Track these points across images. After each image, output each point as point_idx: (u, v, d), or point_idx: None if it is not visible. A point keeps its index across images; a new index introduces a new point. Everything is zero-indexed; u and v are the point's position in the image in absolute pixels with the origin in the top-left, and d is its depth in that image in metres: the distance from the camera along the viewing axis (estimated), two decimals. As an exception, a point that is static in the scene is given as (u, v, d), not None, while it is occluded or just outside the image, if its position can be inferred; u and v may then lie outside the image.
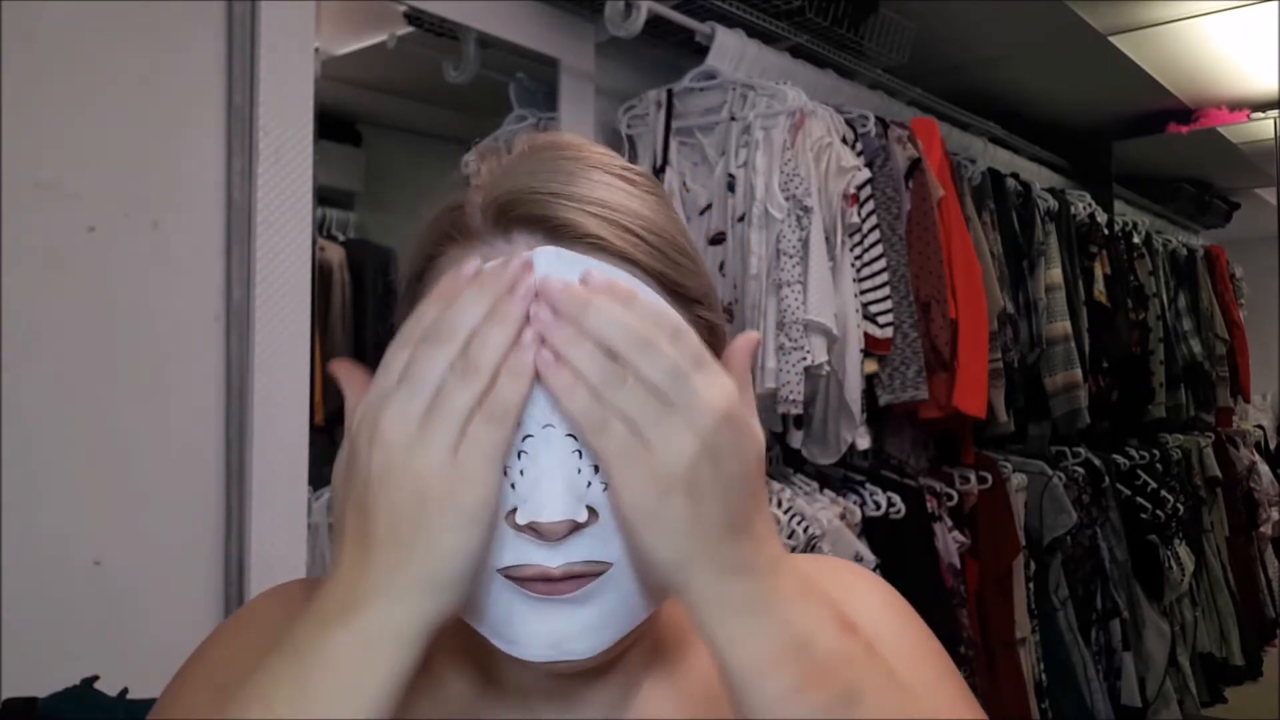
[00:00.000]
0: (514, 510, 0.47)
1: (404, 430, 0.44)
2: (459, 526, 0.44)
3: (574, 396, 0.45)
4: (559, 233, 0.50)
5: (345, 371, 0.51)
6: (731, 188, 1.89)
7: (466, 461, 0.44)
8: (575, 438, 0.47)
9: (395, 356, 0.46)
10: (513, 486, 0.47)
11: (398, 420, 0.45)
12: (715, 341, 0.55)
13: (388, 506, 0.44)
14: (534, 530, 0.47)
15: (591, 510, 0.47)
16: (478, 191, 0.53)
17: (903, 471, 2.25)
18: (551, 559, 0.47)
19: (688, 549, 0.44)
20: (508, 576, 0.48)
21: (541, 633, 0.48)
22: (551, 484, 0.47)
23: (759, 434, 0.48)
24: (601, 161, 0.54)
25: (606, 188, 0.52)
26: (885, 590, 0.64)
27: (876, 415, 2.05)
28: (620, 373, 0.45)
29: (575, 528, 0.47)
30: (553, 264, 0.48)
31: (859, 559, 1.86)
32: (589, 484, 0.47)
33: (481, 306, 0.45)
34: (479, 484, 0.44)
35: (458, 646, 0.58)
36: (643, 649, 0.59)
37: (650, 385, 0.44)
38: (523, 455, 0.47)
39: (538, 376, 0.46)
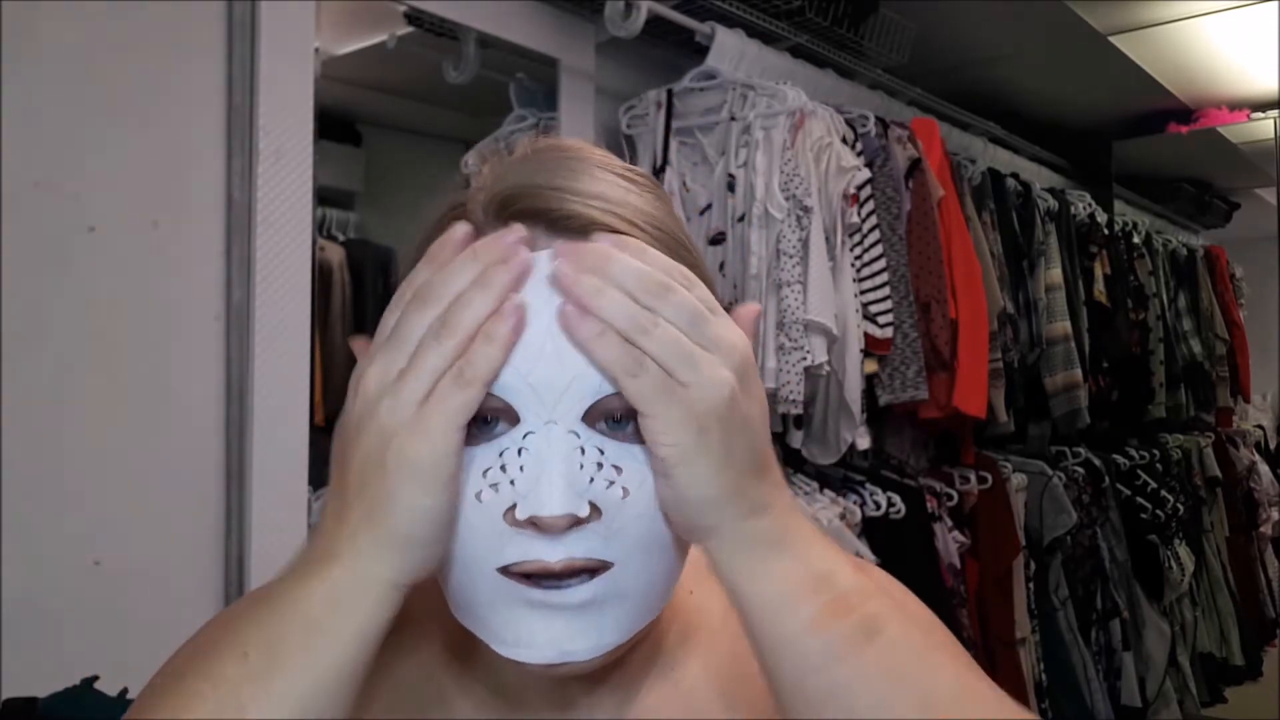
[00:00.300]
0: (513, 507, 0.47)
1: (381, 384, 0.45)
2: (416, 482, 0.44)
3: (605, 343, 0.45)
4: (560, 225, 0.50)
5: (361, 346, 0.52)
6: (731, 188, 1.89)
7: (427, 418, 0.44)
8: (577, 434, 0.47)
9: (387, 317, 0.47)
10: (512, 483, 0.47)
11: (378, 375, 0.46)
12: None
13: (359, 457, 0.46)
14: (534, 525, 0.46)
15: (594, 507, 0.47)
16: (480, 190, 0.53)
17: (903, 471, 2.25)
18: (552, 553, 0.47)
19: (723, 485, 0.46)
20: (507, 575, 0.47)
21: (543, 635, 0.48)
22: (552, 478, 0.46)
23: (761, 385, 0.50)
24: (602, 161, 0.55)
25: (608, 184, 0.53)
26: (896, 587, 0.64)
27: (876, 415, 2.05)
28: (649, 316, 0.45)
29: (576, 523, 0.46)
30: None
31: (859, 559, 1.86)
32: (591, 480, 0.47)
33: (470, 273, 0.46)
34: (435, 441, 0.44)
35: (455, 649, 0.58)
36: (643, 652, 0.59)
37: (677, 328, 0.46)
38: (523, 451, 0.47)
39: (511, 340, 0.46)
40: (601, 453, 0.48)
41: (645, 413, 0.45)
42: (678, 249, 0.54)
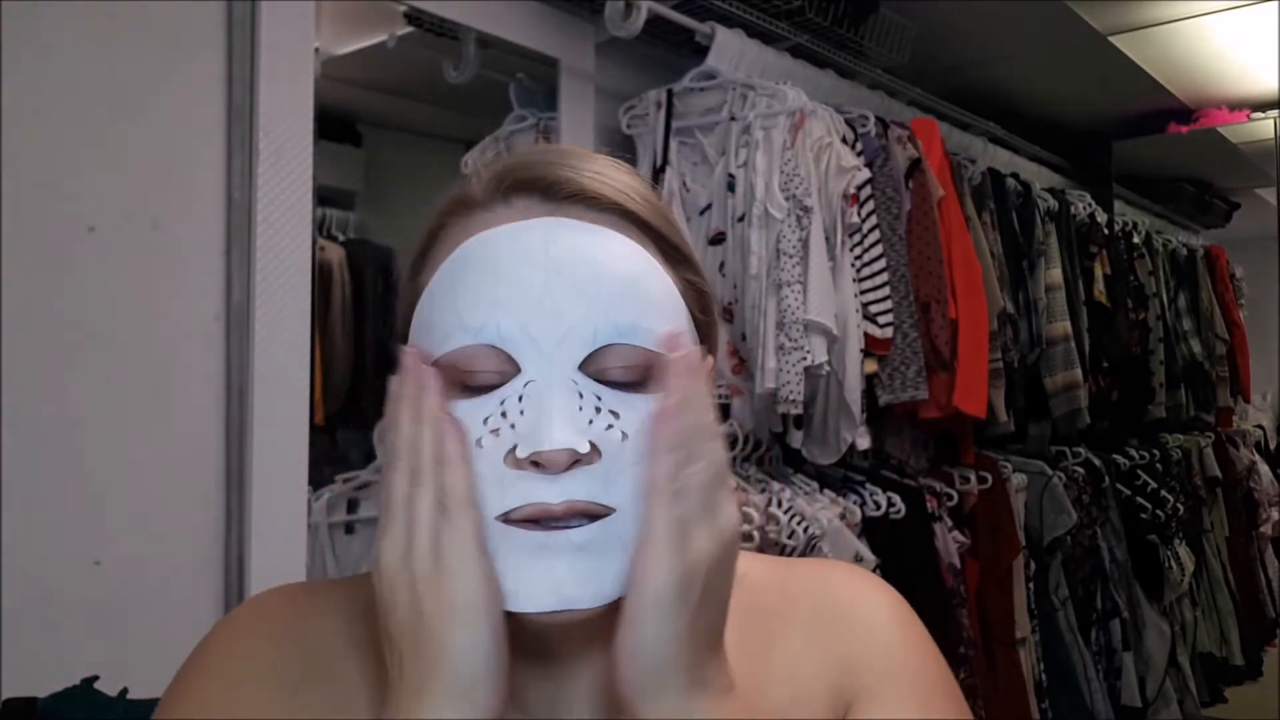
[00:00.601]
0: (513, 449, 0.48)
1: (395, 553, 0.48)
2: (460, 624, 0.46)
3: (669, 459, 0.48)
4: (553, 190, 0.53)
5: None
6: (731, 188, 1.89)
7: (444, 560, 0.46)
8: (575, 381, 0.49)
9: (384, 494, 0.50)
10: (513, 427, 0.48)
11: (390, 547, 0.48)
12: (708, 311, 0.58)
13: (399, 630, 0.47)
14: (535, 465, 0.48)
15: (593, 447, 0.48)
16: (478, 173, 0.56)
17: (903, 471, 2.25)
18: (552, 494, 0.48)
19: (674, 656, 0.46)
20: (508, 522, 0.48)
21: (543, 581, 0.48)
22: (552, 415, 0.48)
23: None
24: (593, 153, 0.57)
25: (603, 163, 0.56)
26: (897, 608, 0.64)
27: (876, 415, 2.05)
28: (700, 450, 0.48)
29: (576, 461, 0.48)
30: (553, 231, 0.51)
31: (859, 559, 1.86)
32: (590, 421, 0.48)
33: (410, 416, 0.49)
34: (462, 577, 0.46)
35: None
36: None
37: (711, 474, 0.48)
38: (524, 398, 0.49)
39: (460, 451, 0.49)
40: (599, 398, 0.49)
41: (655, 542, 0.47)
42: (668, 218, 0.56)
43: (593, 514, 0.48)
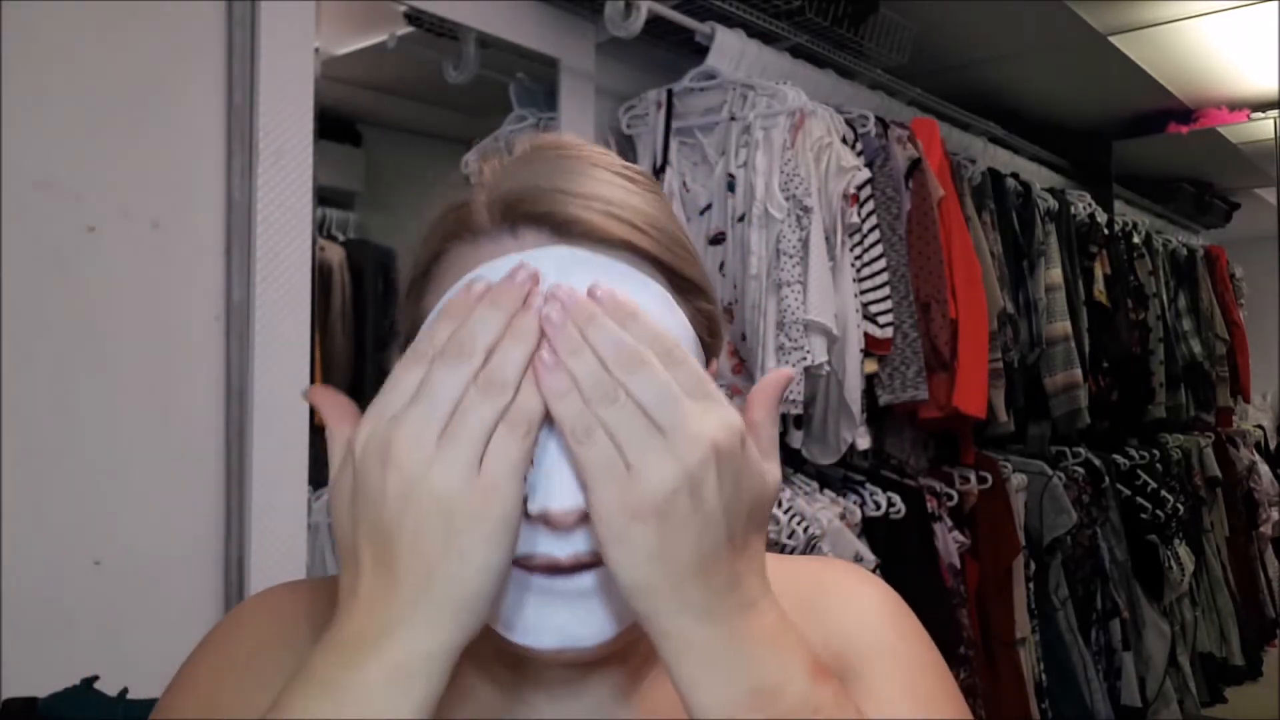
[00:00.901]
0: (525, 500, 0.47)
1: (422, 450, 0.43)
2: (490, 540, 0.43)
3: (565, 402, 0.44)
4: (564, 229, 0.51)
5: (325, 397, 0.50)
6: (731, 188, 1.89)
7: (491, 473, 0.43)
8: None
9: (405, 376, 0.45)
10: (524, 478, 0.47)
11: (414, 440, 0.43)
12: (715, 335, 0.57)
13: (411, 529, 0.43)
14: (544, 520, 0.47)
15: None
16: (481, 190, 0.53)
17: (903, 471, 2.25)
18: (560, 549, 0.47)
19: (650, 580, 0.44)
20: (517, 565, 0.48)
21: (549, 622, 0.48)
22: (562, 473, 0.47)
23: (766, 475, 0.47)
24: (602, 160, 0.55)
25: (608, 185, 0.53)
26: (888, 598, 0.64)
27: (876, 415, 2.05)
28: (615, 388, 0.44)
29: (584, 518, 0.47)
30: (564, 263, 0.49)
31: (859, 559, 1.86)
32: None
33: (498, 322, 0.45)
34: (506, 496, 0.43)
35: (487, 663, 0.58)
36: (648, 643, 0.59)
37: (641, 406, 0.44)
38: (536, 453, 0.47)
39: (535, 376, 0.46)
40: None
41: (585, 484, 0.44)
42: (676, 247, 0.54)
43: (598, 562, 0.48)
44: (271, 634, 0.57)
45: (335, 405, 0.49)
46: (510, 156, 0.55)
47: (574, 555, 0.47)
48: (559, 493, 0.47)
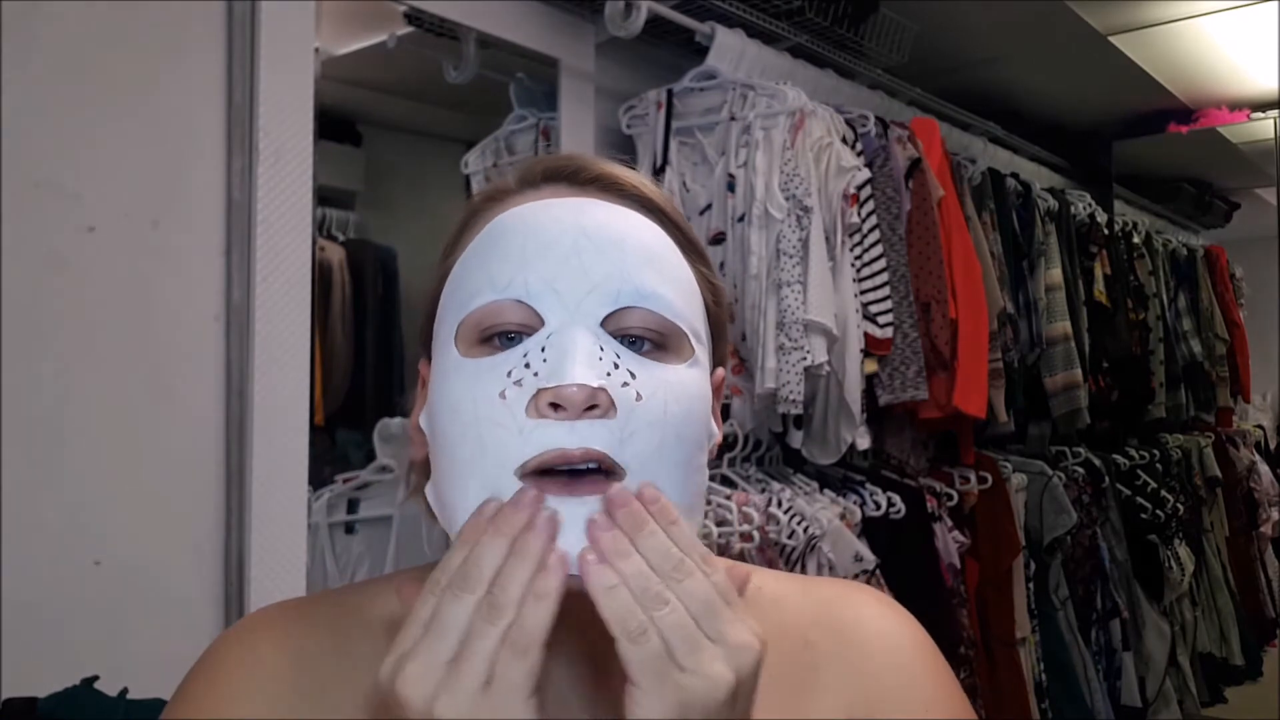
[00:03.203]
0: (534, 397, 0.48)
1: (428, 682, 0.44)
2: None
3: (616, 596, 0.46)
4: (578, 175, 0.56)
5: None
6: (731, 188, 1.89)
7: (495, 695, 0.44)
8: (597, 335, 0.50)
9: (421, 609, 0.46)
10: (535, 375, 0.49)
11: (420, 675, 0.44)
12: (720, 306, 0.60)
13: None
14: (554, 408, 0.48)
15: (610, 399, 0.49)
16: (510, 171, 0.60)
17: (903, 471, 2.25)
18: (570, 440, 0.48)
19: None
20: (525, 476, 0.49)
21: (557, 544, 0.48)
22: (573, 358, 0.48)
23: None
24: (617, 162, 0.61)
25: (623, 164, 0.59)
26: (915, 632, 0.64)
27: (876, 415, 2.05)
28: (665, 592, 0.46)
29: (593, 407, 0.48)
30: (584, 209, 0.54)
31: (859, 559, 1.86)
32: (608, 373, 0.49)
33: (502, 547, 0.46)
34: (509, 714, 0.44)
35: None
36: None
37: (689, 612, 0.46)
38: (546, 348, 0.50)
39: (560, 592, 0.46)
40: (618, 356, 0.50)
41: (635, 682, 0.45)
42: (683, 221, 0.59)
43: (607, 467, 0.49)
44: (263, 657, 0.58)
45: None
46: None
47: (583, 447, 0.48)
48: (569, 371, 0.48)
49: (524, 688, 0.44)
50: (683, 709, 0.44)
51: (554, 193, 0.56)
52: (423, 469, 0.59)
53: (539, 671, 0.45)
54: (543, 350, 0.50)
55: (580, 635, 0.52)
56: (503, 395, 0.49)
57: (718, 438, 0.59)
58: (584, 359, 0.48)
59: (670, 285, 0.53)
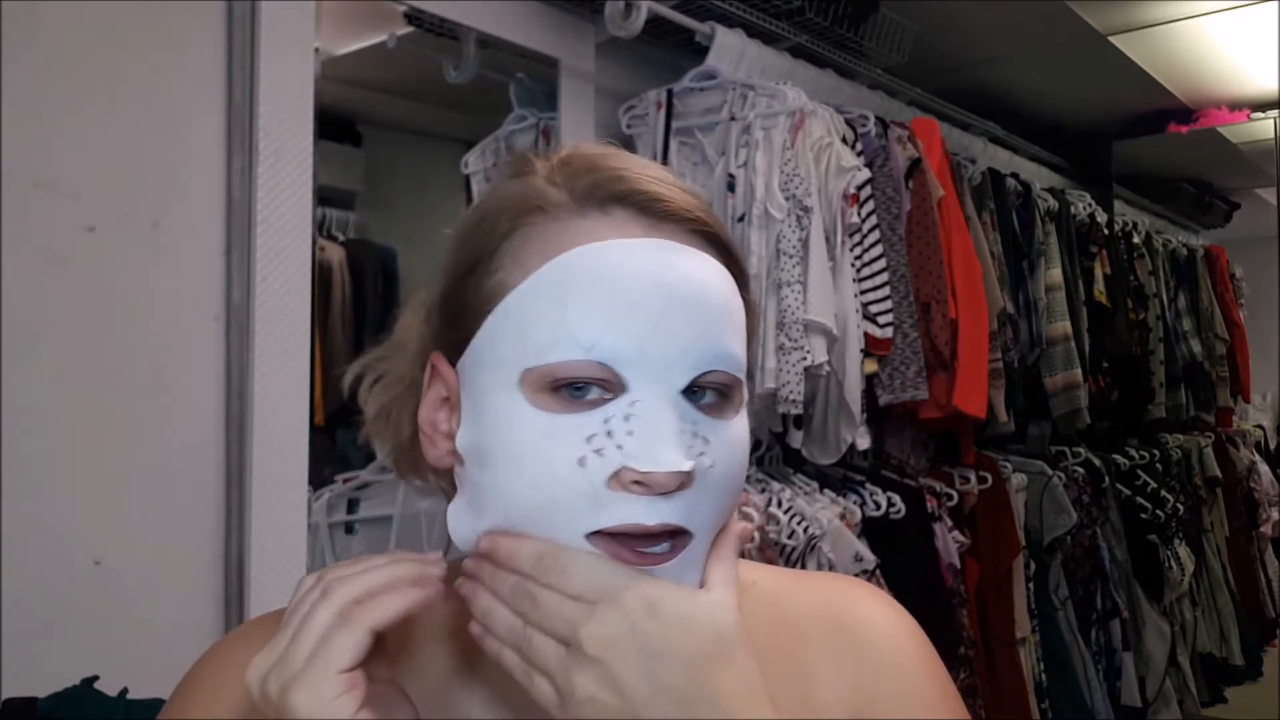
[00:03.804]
0: (618, 472, 0.48)
1: (264, 662, 0.49)
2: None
3: (493, 618, 0.50)
4: (651, 208, 0.53)
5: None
6: (731, 188, 1.89)
7: (315, 668, 0.47)
8: (680, 404, 0.50)
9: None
10: (619, 447, 0.48)
11: (261, 657, 0.49)
12: (752, 320, 0.58)
13: None
14: (643, 486, 0.48)
15: (691, 477, 0.49)
16: (537, 176, 0.55)
17: (903, 471, 2.25)
18: (650, 516, 0.48)
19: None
20: (596, 538, 0.49)
21: None
22: (667, 438, 0.48)
23: (694, 611, 0.49)
24: (651, 161, 0.59)
25: (670, 174, 0.56)
26: (909, 627, 0.64)
27: (876, 415, 2.05)
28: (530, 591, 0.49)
29: (682, 486, 0.48)
30: (662, 252, 0.51)
31: (859, 559, 1.86)
32: (689, 446, 0.49)
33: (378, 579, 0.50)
34: (320, 687, 0.46)
35: (461, 663, 0.58)
36: None
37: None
38: (631, 418, 0.49)
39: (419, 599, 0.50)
40: (695, 424, 0.50)
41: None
42: (738, 250, 0.57)
43: (677, 534, 0.49)
44: (231, 705, 0.58)
45: None
46: (555, 153, 0.57)
47: (662, 523, 0.48)
48: (664, 458, 0.48)
49: (343, 660, 0.46)
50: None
51: (625, 222, 0.52)
52: (441, 474, 0.59)
53: (364, 652, 0.47)
54: (627, 420, 0.48)
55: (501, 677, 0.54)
56: (581, 463, 0.48)
57: None
58: (675, 440, 0.48)
59: (738, 339, 0.53)
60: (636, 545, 0.49)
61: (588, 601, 0.47)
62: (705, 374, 0.50)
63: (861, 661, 0.61)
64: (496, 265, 0.53)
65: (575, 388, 0.49)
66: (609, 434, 0.48)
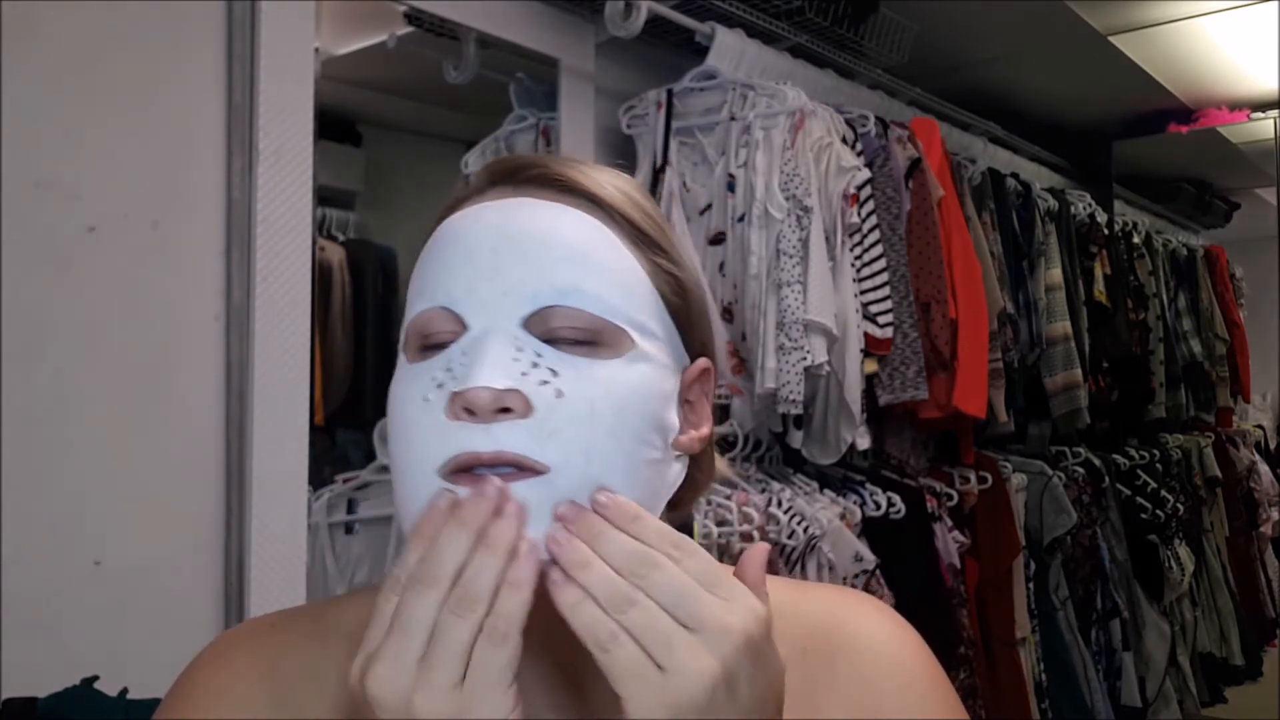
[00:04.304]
0: (450, 400, 0.49)
1: (400, 681, 0.44)
2: None
3: (581, 610, 0.45)
4: (519, 173, 0.56)
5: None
6: (731, 188, 1.89)
7: (473, 686, 0.44)
8: (516, 336, 0.50)
9: (384, 605, 0.46)
10: (455, 378, 0.50)
11: (391, 675, 0.44)
12: (684, 298, 0.58)
13: None
14: (467, 410, 0.48)
15: (525, 400, 0.49)
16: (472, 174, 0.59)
17: (903, 471, 2.25)
18: (483, 442, 0.48)
19: None
20: (447, 479, 0.49)
21: None
22: (482, 362, 0.49)
23: (779, 661, 0.48)
24: (596, 160, 0.61)
25: (585, 162, 0.59)
26: (914, 642, 0.64)
27: (876, 415, 2.05)
28: (631, 592, 0.45)
29: (506, 409, 0.48)
30: (511, 209, 0.54)
31: (859, 559, 1.86)
32: (524, 373, 0.49)
33: (465, 541, 0.46)
34: (491, 702, 0.44)
35: None
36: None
37: (662, 607, 0.45)
38: (465, 352, 0.51)
39: (542, 592, 0.46)
40: (539, 354, 0.50)
41: (618, 691, 0.44)
42: (636, 208, 0.57)
43: (526, 466, 0.48)
44: (240, 676, 0.57)
45: None
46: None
47: (496, 451, 0.48)
48: (476, 376, 0.48)
49: (504, 674, 0.44)
50: (672, 710, 0.43)
51: (497, 195, 0.56)
52: None
53: (517, 661, 0.45)
54: (464, 355, 0.50)
55: (545, 633, 0.51)
56: (425, 399, 0.50)
57: (702, 431, 0.58)
58: (493, 361, 0.49)
59: (600, 280, 0.53)
60: (479, 479, 0.48)
61: (713, 590, 0.46)
62: (548, 309, 0.51)
63: (866, 679, 0.60)
64: (424, 258, 0.57)
65: (439, 345, 0.52)
66: (449, 370, 0.50)
